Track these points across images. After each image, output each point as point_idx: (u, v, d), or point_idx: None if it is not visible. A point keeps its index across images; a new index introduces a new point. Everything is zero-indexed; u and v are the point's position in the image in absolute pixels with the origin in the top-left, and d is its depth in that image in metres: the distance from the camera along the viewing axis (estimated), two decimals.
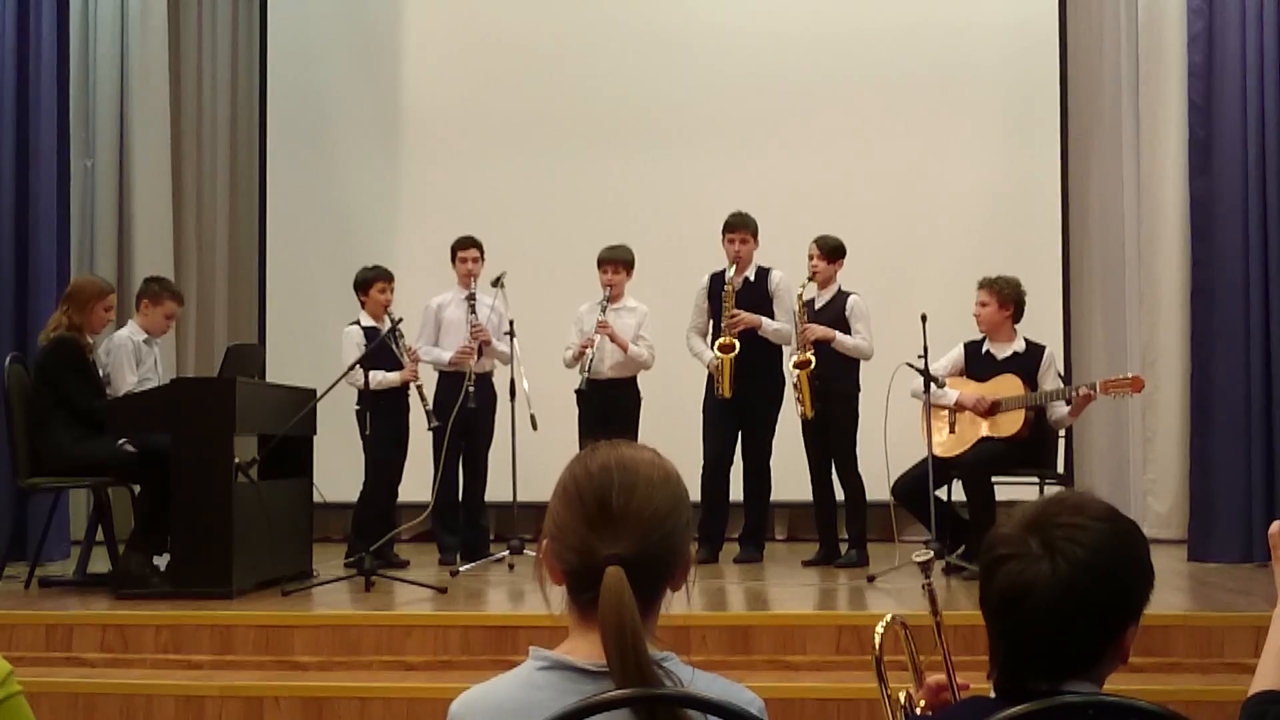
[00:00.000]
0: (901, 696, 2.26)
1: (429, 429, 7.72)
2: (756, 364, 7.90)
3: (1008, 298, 7.41)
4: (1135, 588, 1.91)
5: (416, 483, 8.27)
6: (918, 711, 2.23)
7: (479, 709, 1.90)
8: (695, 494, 7.78)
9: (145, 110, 9.84)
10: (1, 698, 1.94)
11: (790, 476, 8.22)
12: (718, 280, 8.09)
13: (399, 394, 8.02)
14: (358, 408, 7.71)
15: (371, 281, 8.10)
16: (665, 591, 1.96)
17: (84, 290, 7.12)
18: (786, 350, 8.07)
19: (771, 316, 8.00)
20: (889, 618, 2.43)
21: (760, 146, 9.94)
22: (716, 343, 7.90)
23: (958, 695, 2.22)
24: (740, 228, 8.01)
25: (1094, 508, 1.92)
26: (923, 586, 2.39)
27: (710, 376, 8.00)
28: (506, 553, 7.73)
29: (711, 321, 8.11)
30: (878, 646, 2.36)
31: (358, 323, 8.05)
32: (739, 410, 7.93)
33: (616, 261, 8.16)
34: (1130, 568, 1.91)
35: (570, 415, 8.04)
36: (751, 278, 8.05)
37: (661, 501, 1.91)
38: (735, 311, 7.89)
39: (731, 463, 8.08)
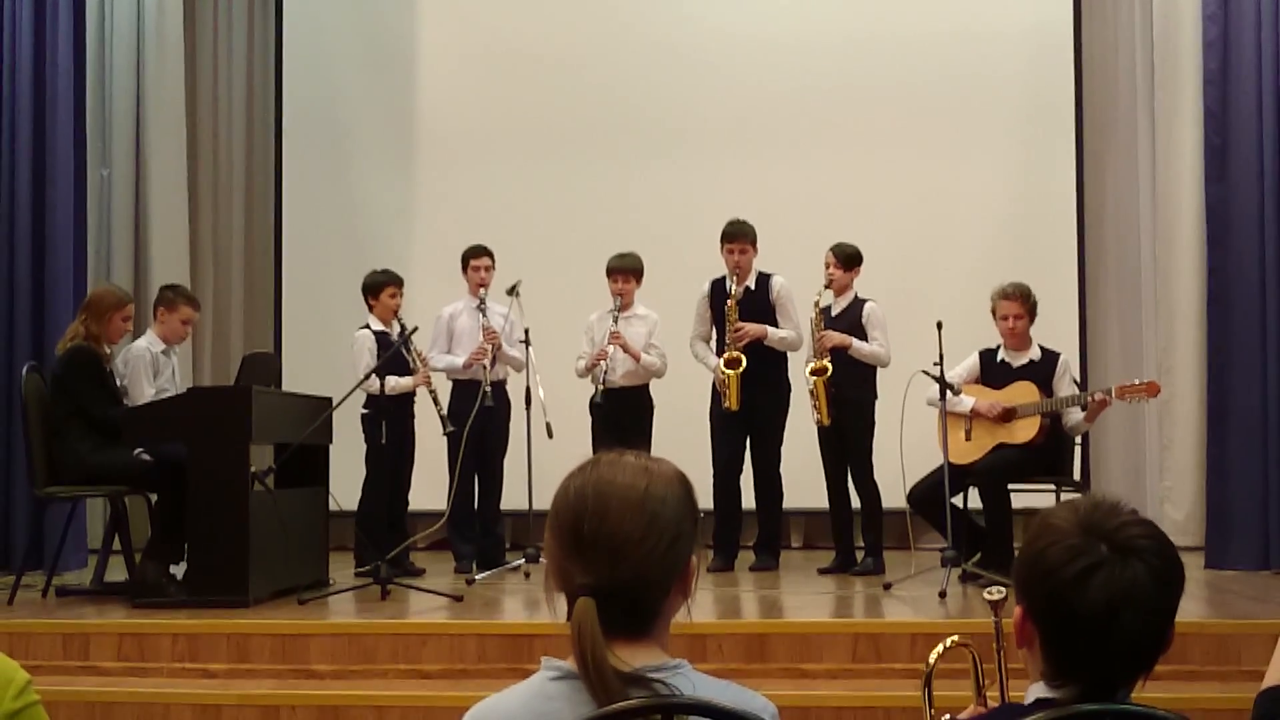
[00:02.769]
0: None
1: (444, 434, 7.73)
2: (762, 372, 7.89)
3: (1033, 307, 7.39)
4: (1184, 578, 1.94)
5: (431, 491, 8.28)
6: None
7: None
8: (708, 501, 7.87)
9: (161, 120, 9.89)
10: (20, 707, 1.94)
11: (806, 484, 8.21)
12: (718, 287, 8.08)
13: (406, 400, 8.03)
14: (364, 412, 7.72)
15: (381, 286, 8.10)
16: (667, 605, 1.95)
17: (102, 300, 7.14)
18: (793, 356, 8.06)
19: (774, 323, 7.99)
20: (953, 640, 2.43)
21: (774, 155, 9.94)
22: (722, 358, 7.88)
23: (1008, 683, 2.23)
24: (739, 237, 7.97)
25: (1125, 506, 1.94)
26: (994, 623, 2.37)
27: (716, 386, 7.99)
28: (522, 561, 7.72)
29: (715, 329, 8.11)
30: (931, 664, 2.34)
31: (368, 326, 8.07)
32: (746, 418, 7.92)
33: (626, 270, 8.15)
34: (1179, 558, 1.92)
35: (585, 422, 8.04)
36: (752, 286, 8.04)
37: (633, 527, 1.88)
38: (739, 325, 7.88)
39: (741, 470, 8.08)
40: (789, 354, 8.07)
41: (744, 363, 7.82)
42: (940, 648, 2.38)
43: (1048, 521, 1.94)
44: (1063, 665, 1.91)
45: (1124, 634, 1.85)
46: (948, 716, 2.27)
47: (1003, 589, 2.37)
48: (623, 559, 1.88)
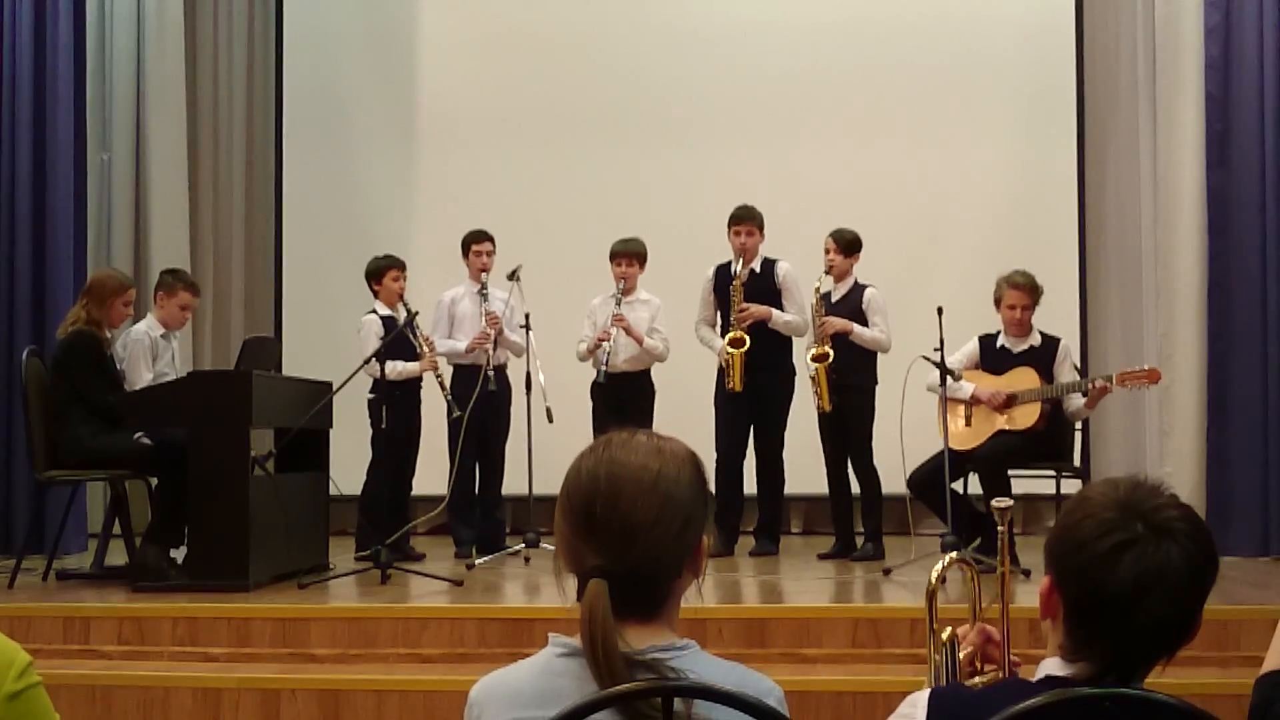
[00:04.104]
0: (945, 634, 2.27)
1: (451, 418, 7.72)
2: (767, 356, 7.90)
3: (1039, 297, 7.39)
4: (1217, 567, 1.94)
5: (432, 476, 8.28)
6: (960, 655, 2.26)
7: (498, 694, 1.91)
8: (710, 486, 7.86)
9: (162, 104, 9.86)
10: (21, 688, 1.95)
11: (806, 470, 8.22)
12: (723, 272, 8.09)
13: (412, 385, 8.04)
14: (370, 397, 7.72)
15: (384, 270, 8.11)
16: (677, 585, 1.96)
17: (103, 285, 7.13)
18: (798, 341, 8.07)
19: (779, 307, 7.99)
20: (953, 555, 2.47)
21: (775, 140, 9.94)
22: (727, 337, 7.89)
23: (1009, 651, 2.26)
24: (746, 220, 7.99)
25: (1166, 490, 1.95)
26: (998, 532, 2.39)
27: (721, 369, 7.99)
28: (522, 546, 7.73)
29: (719, 313, 8.11)
30: (934, 580, 2.36)
31: (374, 312, 8.07)
32: (750, 402, 7.93)
33: (630, 254, 8.16)
34: (1214, 547, 1.94)
35: (585, 407, 8.04)
36: (757, 269, 8.04)
37: (646, 511, 1.88)
38: (745, 306, 7.88)
39: (745, 455, 8.08)
40: (794, 339, 8.07)
41: (748, 342, 7.83)
42: (940, 566, 2.40)
43: (1086, 495, 1.95)
44: (1083, 640, 1.91)
45: (1149, 614, 1.86)
46: (950, 629, 2.29)
47: (1011, 499, 2.41)
48: (636, 542, 1.88)
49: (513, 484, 8.19)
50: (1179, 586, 1.86)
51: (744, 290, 7.93)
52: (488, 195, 9.91)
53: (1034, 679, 1.94)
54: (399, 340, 7.62)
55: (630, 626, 1.87)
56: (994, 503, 2.43)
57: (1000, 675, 2.27)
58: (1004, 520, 2.42)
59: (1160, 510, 1.89)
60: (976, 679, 2.26)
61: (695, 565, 1.96)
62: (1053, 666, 1.93)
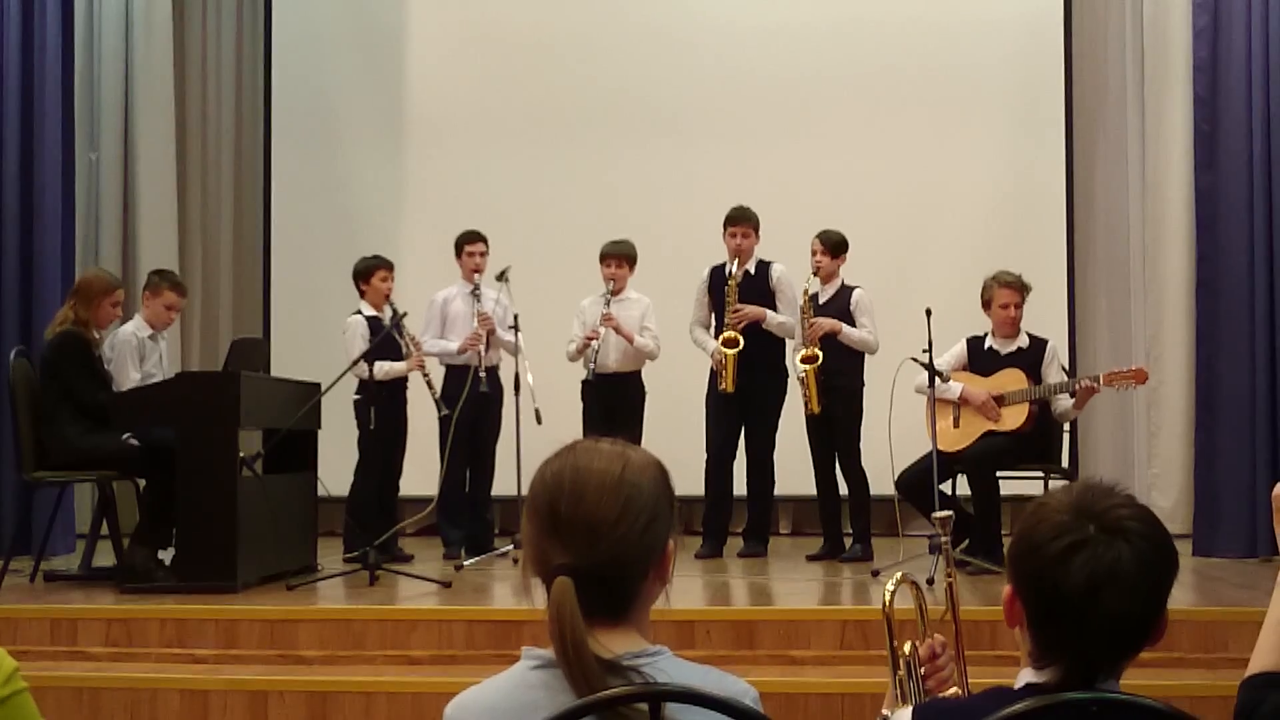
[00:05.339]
0: (906, 648, 2.31)
1: (440, 417, 7.72)
2: (760, 357, 7.90)
3: (1028, 292, 7.41)
4: (1177, 566, 1.95)
5: (421, 476, 8.28)
6: (921, 672, 2.29)
7: (473, 711, 1.91)
8: (700, 487, 7.88)
9: (150, 103, 9.85)
10: (6, 695, 1.94)
11: (795, 471, 8.22)
12: (718, 273, 8.09)
13: (397, 386, 8.03)
14: (356, 397, 7.71)
15: (372, 270, 8.09)
16: (645, 589, 1.96)
17: (92, 285, 7.12)
18: (790, 343, 8.07)
19: (773, 309, 8.00)
20: (899, 575, 2.49)
21: (764, 141, 9.93)
22: (720, 338, 7.89)
23: (964, 660, 2.31)
24: (742, 221, 8.00)
25: (1120, 491, 1.95)
26: (941, 544, 2.44)
27: (713, 370, 7.99)
28: (511, 547, 7.73)
29: (713, 314, 8.12)
30: (888, 601, 2.40)
31: (359, 312, 8.06)
32: (742, 403, 7.93)
33: (619, 256, 8.16)
34: (1172, 545, 1.94)
35: (575, 409, 8.04)
36: (752, 271, 8.05)
37: (609, 509, 1.90)
38: (739, 306, 7.89)
39: (735, 456, 8.09)
40: (787, 341, 8.07)
41: (741, 343, 7.83)
42: (891, 584, 2.44)
43: (1043, 501, 1.97)
44: (1045, 645, 1.92)
45: (1104, 614, 1.86)
46: (911, 642, 2.33)
47: (950, 511, 2.43)
48: (600, 539, 1.89)
49: (501, 485, 8.17)
50: (1133, 585, 1.86)
51: (738, 291, 7.94)
52: (476, 195, 9.89)
53: (1016, 686, 1.95)
54: (385, 340, 7.61)
55: (599, 629, 1.88)
56: (934, 515, 2.46)
57: (959, 691, 2.30)
58: (946, 531, 2.45)
59: (1112, 510, 1.90)
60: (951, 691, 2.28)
61: (663, 570, 1.97)
62: (1028, 675, 1.94)
